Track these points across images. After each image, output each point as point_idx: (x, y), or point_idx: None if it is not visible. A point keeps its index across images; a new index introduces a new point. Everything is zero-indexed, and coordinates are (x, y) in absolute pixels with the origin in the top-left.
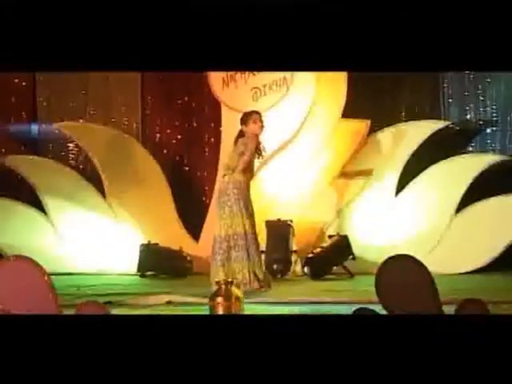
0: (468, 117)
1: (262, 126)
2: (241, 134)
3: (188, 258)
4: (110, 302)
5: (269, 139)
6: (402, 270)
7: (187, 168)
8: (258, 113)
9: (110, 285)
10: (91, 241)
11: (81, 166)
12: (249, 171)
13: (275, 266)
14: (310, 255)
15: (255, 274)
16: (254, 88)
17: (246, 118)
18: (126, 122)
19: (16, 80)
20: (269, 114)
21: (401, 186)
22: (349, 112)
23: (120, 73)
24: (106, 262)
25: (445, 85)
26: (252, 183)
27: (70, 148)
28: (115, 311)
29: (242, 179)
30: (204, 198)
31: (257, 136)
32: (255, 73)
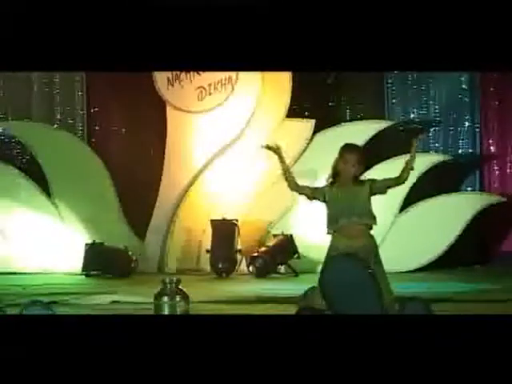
0: (411, 117)
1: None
2: None
3: (133, 258)
4: (54, 302)
5: (213, 138)
6: (345, 269)
7: (132, 167)
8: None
9: (54, 284)
10: (36, 240)
11: (25, 166)
12: None
13: (220, 265)
14: (255, 254)
15: None
16: (199, 87)
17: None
18: (71, 121)
19: None
20: (214, 112)
21: None
22: (293, 112)
23: (64, 72)
24: (51, 262)
25: (388, 85)
26: (197, 182)
27: (14, 147)
28: (60, 311)
29: None
30: (149, 198)
31: None
32: (200, 72)
